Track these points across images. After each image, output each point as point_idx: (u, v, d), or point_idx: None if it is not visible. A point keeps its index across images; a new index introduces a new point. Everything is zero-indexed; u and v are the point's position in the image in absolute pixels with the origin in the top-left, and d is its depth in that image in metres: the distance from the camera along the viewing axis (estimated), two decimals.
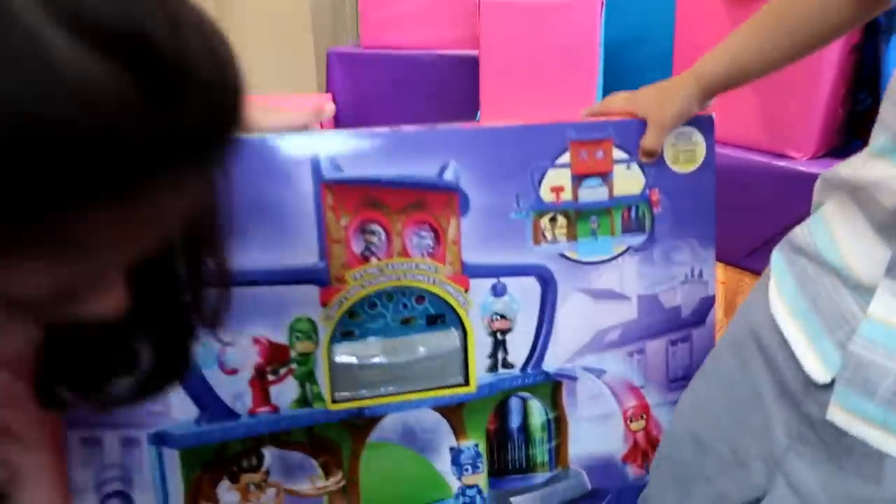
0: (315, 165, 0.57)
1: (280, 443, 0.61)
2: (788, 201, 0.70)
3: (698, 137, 0.65)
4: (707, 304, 0.68)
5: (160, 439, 0.58)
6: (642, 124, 0.63)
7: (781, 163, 1.02)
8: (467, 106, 1.31)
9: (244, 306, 0.57)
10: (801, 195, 0.58)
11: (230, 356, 0.58)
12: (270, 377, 0.60)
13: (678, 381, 0.69)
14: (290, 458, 0.62)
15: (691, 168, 0.65)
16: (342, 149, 0.58)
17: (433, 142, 0.59)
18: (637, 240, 0.65)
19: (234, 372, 0.59)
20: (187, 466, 0.59)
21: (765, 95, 1.01)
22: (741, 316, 0.60)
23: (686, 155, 0.65)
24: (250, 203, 0.56)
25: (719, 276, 1.01)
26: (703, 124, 0.65)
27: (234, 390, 0.59)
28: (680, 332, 0.68)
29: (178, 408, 0.58)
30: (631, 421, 0.68)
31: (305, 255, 0.58)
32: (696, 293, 0.67)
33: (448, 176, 0.60)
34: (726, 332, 0.61)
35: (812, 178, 0.56)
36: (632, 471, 0.69)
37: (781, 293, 0.54)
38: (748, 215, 0.98)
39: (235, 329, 0.58)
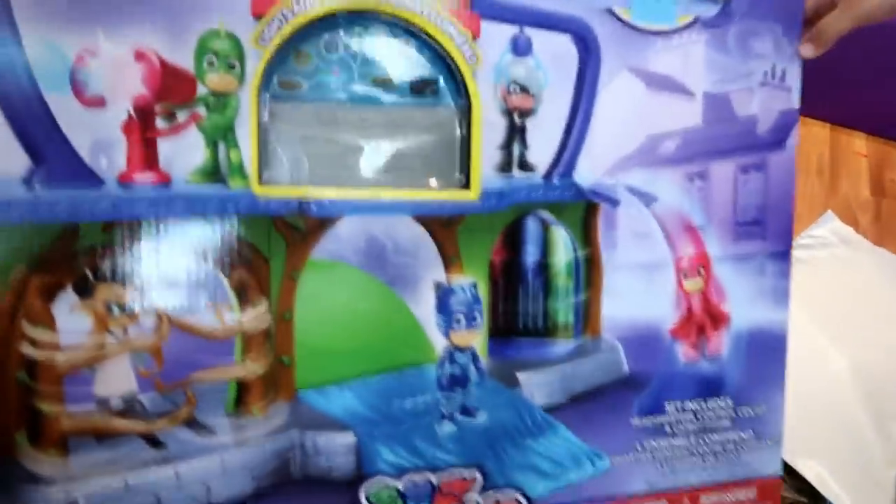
0: None
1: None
2: None
3: None
4: (790, 119, 0.49)
5: None
6: None
7: None
8: None
9: None
10: None
11: (94, 73, 0.35)
12: (161, 124, 0.37)
13: (747, 226, 0.49)
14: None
15: None
16: None
17: None
18: (708, 10, 0.47)
19: (98, 102, 0.35)
20: (4, 259, 0.35)
21: None
22: None
23: None
24: None
25: (860, 148, 0.88)
26: None
27: (97, 135, 0.36)
28: (754, 154, 0.49)
29: None
30: (685, 277, 0.48)
31: None
32: (777, 102, 0.49)
33: None
34: None
35: None
36: (683, 352, 0.49)
37: None
38: None
39: (105, 27, 0.35)
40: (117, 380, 0.37)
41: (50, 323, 0.36)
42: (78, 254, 0.36)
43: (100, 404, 0.37)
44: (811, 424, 0.67)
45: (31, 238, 0.35)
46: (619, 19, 0.45)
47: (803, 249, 0.93)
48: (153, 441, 0.38)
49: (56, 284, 0.36)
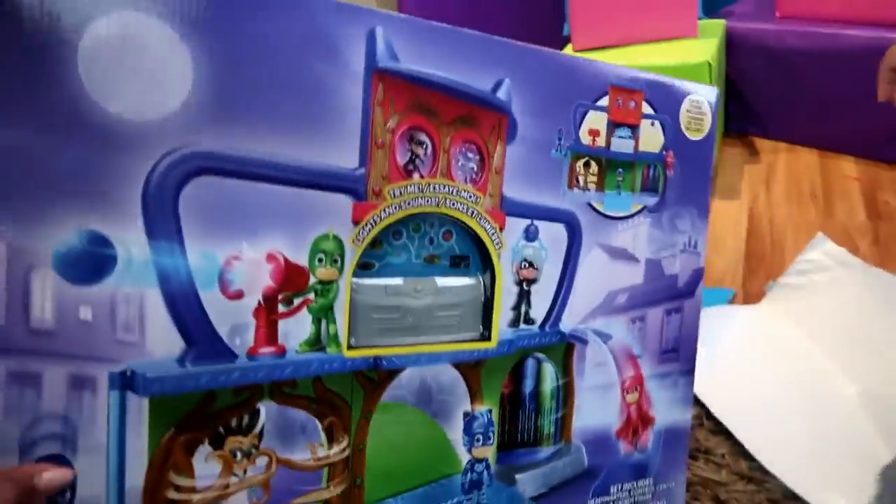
0: (370, 46, 0.47)
1: (282, 396, 0.47)
2: None
3: (707, 108, 0.66)
4: (698, 276, 0.68)
5: (126, 381, 0.42)
6: (667, 84, 0.63)
7: None
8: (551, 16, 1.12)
9: (262, 208, 0.45)
10: None
11: (237, 273, 0.44)
12: (282, 308, 0.46)
13: (668, 352, 0.67)
14: (290, 417, 0.48)
15: (699, 136, 0.66)
16: (401, 34, 0.48)
17: (492, 52, 0.53)
18: (651, 200, 0.64)
19: (238, 295, 0.45)
20: (158, 422, 0.43)
21: None
22: None
23: (696, 123, 0.65)
24: (282, 77, 0.45)
25: (851, 171, 0.90)
26: (710, 96, 0.66)
27: (235, 321, 0.45)
28: (674, 301, 0.67)
29: (156, 339, 0.42)
30: (627, 392, 0.65)
31: (344, 155, 0.47)
32: (691, 264, 0.67)
33: (501, 94, 0.53)
34: None
35: None
36: (623, 447, 0.65)
37: None
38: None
39: (248, 237, 0.44)
40: None
41: (190, 471, 0.44)
42: (214, 414, 0.45)
43: None
44: (827, 456, 0.71)
45: (180, 405, 0.44)
46: (595, 210, 0.60)
47: (801, 275, 0.97)
48: None
49: (196, 440, 0.45)
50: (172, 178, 0.41)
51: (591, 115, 0.59)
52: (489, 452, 0.57)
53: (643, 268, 0.64)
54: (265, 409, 0.47)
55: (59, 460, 0.40)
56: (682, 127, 0.65)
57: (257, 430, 0.47)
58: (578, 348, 0.61)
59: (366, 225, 0.49)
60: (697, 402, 0.89)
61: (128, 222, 0.41)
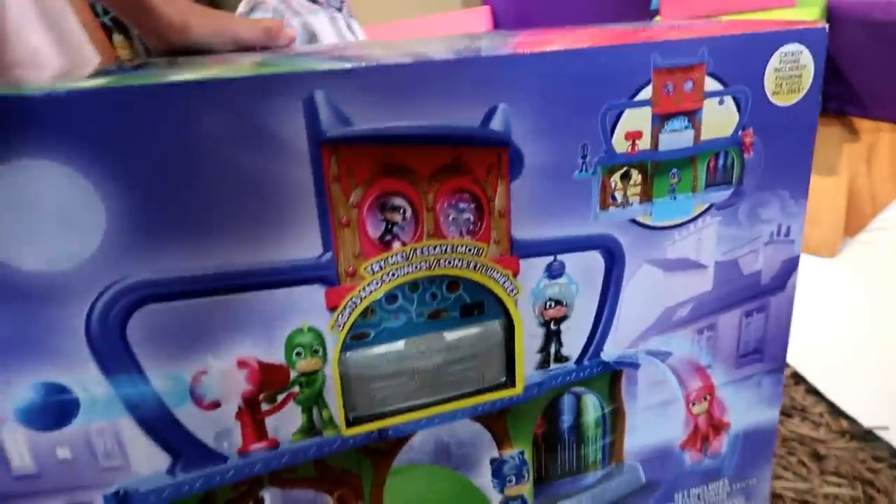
0: (311, 117, 0.39)
1: (283, 482, 0.47)
2: None
3: (807, 58, 0.49)
4: (791, 266, 0.56)
5: (121, 500, 0.43)
6: (746, 39, 0.47)
7: None
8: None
9: (221, 320, 0.41)
10: None
11: (207, 386, 0.42)
12: (265, 406, 0.45)
13: (748, 355, 0.58)
14: (297, 497, 0.48)
15: (794, 99, 0.50)
16: (348, 89, 0.39)
17: (475, 75, 0.42)
18: (722, 195, 0.51)
19: (215, 406, 0.43)
20: None
21: None
22: None
23: (791, 83, 0.50)
24: (212, 180, 0.38)
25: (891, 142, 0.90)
26: (814, 39, 0.49)
27: (218, 427, 0.44)
28: (757, 300, 0.56)
29: (141, 459, 0.42)
30: (693, 404, 0.58)
31: (303, 245, 0.42)
32: (780, 254, 0.55)
33: (496, 125, 0.43)
34: None
35: None
36: (689, 457, 0.59)
37: None
38: None
39: (212, 350, 0.42)
40: None
41: None
42: None
43: None
44: None
45: None
46: (641, 225, 0.50)
47: (875, 232, 0.96)
48: None
49: None
50: (113, 317, 0.39)
51: (629, 113, 0.46)
52: (525, 490, 0.55)
53: (711, 273, 0.53)
54: (269, 495, 0.47)
55: None
56: (769, 92, 0.49)
57: None
58: (628, 373, 0.54)
59: (344, 309, 0.44)
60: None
61: (80, 367, 0.39)
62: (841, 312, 0.95)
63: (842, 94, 1.38)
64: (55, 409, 0.40)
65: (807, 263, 0.87)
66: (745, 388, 0.59)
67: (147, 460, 0.43)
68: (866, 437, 0.81)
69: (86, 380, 0.40)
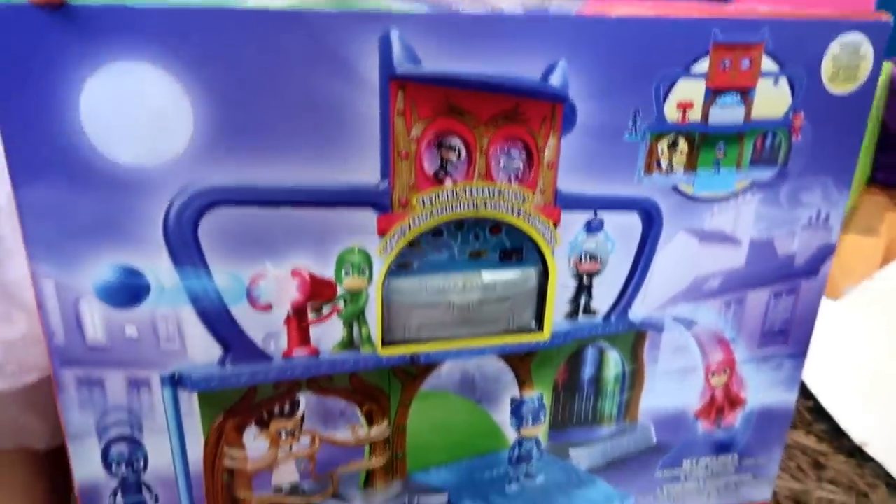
0: (385, 53, 0.42)
1: (319, 388, 0.51)
2: None
3: (867, 48, 0.50)
4: (825, 253, 0.57)
5: (175, 381, 0.48)
6: (808, 23, 0.49)
7: None
8: None
9: (282, 230, 0.45)
10: None
11: (263, 289, 0.47)
12: (311, 316, 0.49)
13: (772, 335, 0.59)
14: (329, 404, 0.52)
15: (850, 88, 0.51)
16: (425, 32, 0.43)
17: (541, 31, 0.44)
18: (765, 174, 0.53)
19: (267, 308, 0.47)
20: (208, 411, 0.50)
21: None
22: None
23: (848, 72, 0.51)
24: (290, 101, 0.42)
25: None
26: (877, 31, 0.50)
27: (267, 329, 0.48)
28: (788, 282, 0.57)
29: (196, 347, 0.47)
30: (713, 375, 0.60)
31: (363, 171, 0.45)
32: (817, 239, 0.56)
33: (555, 80, 0.46)
34: None
35: None
36: (702, 426, 0.62)
37: None
38: None
39: (271, 257, 0.46)
40: (286, 475, 0.53)
41: (241, 446, 0.51)
42: (257, 403, 0.50)
43: (275, 490, 0.54)
44: None
45: (225, 398, 0.50)
46: (683, 194, 0.52)
47: (882, 280, 1.02)
48: None
49: (244, 423, 0.51)
50: (188, 215, 0.43)
51: (682, 83, 0.48)
52: (540, 431, 0.58)
53: (746, 249, 0.55)
54: (304, 398, 0.51)
55: (129, 440, 0.49)
56: (825, 78, 0.51)
57: (299, 415, 0.52)
58: (652, 335, 0.57)
59: (393, 236, 0.47)
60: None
61: (154, 255, 0.44)
62: (852, 344, 1.00)
63: (891, 165, 1.35)
64: (128, 290, 0.44)
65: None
66: (765, 367, 0.60)
67: (201, 349, 0.47)
68: (869, 458, 0.82)
69: (158, 268, 0.44)
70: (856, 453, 0.83)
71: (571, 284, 0.53)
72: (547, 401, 0.57)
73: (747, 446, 0.64)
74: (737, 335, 0.58)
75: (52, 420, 0.46)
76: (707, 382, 0.60)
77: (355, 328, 0.50)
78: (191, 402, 0.49)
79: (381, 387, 0.53)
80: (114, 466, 0.49)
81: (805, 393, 0.91)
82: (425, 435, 0.55)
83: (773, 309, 0.58)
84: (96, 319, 0.45)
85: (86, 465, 0.49)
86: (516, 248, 0.52)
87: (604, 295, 0.54)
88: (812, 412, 0.90)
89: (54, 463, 0.52)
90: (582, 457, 0.60)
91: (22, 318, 0.46)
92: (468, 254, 0.51)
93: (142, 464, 0.50)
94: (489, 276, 0.52)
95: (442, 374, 0.53)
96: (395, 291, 0.50)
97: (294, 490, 0.54)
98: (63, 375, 0.46)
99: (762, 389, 0.61)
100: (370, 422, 0.54)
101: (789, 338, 0.60)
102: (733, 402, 0.61)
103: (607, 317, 0.55)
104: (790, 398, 0.62)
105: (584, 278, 0.53)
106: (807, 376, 0.92)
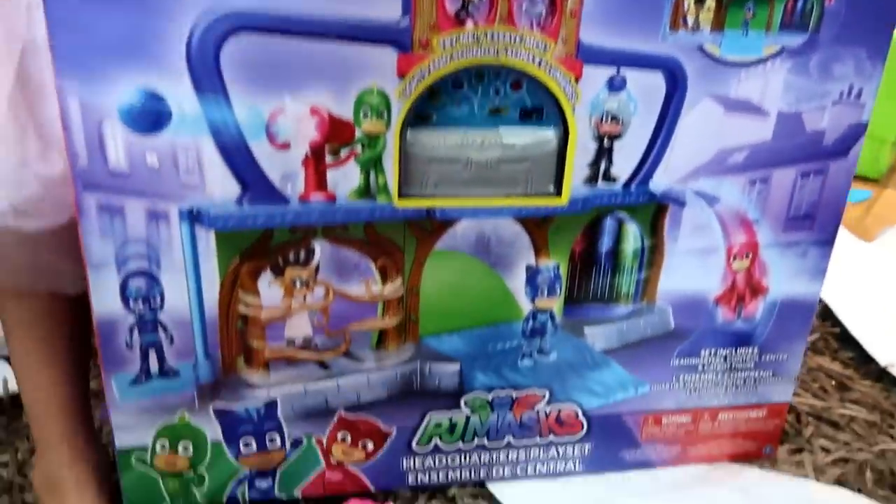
0: None
1: (334, 237, 0.52)
2: None
3: None
4: (856, 132, 0.55)
5: (193, 217, 0.49)
6: None
7: None
8: None
9: (302, 63, 0.46)
10: None
11: (282, 126, 0.47)
12: (329, 159, 0.49)
13: (798, 219, 0.58)
14: (344, 255, 0.53)
15: None
16: None
17: None
18: (795, 40, 0.51)
19: (285, 146, 0.48)
20: (224, 251, 0.50)
21: None
22: None
23: None
24: None
25: None
26: None
27: (285, 169, 0.49)
28: (816, 162, 0.56)
29: (215, 182, 0.48)
30: (734, 259, 0.59)
31: (385, 6, 0.45)
32: (848, 117, 0.55)
33: None
34: None
35: None
36: (722, 314, 0.61)
37: None
38: None
39: (290, 91, 0.46)
40: (299, 327, 0.54)
41: (256, 292, 0.52)
42: (272, 248, 0.51)
43: (288, 342, 0.54)
44: None
45: (242, 239, 0.50)
46: (709, 55, 0.51)
47: None
48: (323, 365, 0.56)
49: (259, 268, 0.52)
50: (211, 37, 0.44)
51: None
52: (555, 304, 0.58)
53: (773, 122, 0.54)
54: (319, 247, 0.52)
55: (147, 275, 0.50)
56: None
57: (314, 264, 0.52)
58: (673, 210, 0.56)
59: (412, 78, 0.47)
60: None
61: (177, 80, 0.44)
62: (881, 278, 0.98)
63: None
64: (151, 115, 0.45)
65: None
66: (789, 254, 0.59)
67: (220, 185, 0.48)
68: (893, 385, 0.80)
69: (180, 93, 0.45)
70: (882, 377, 0.81)
71: (592, 147, 0.52)
72: (563, 271, 0.57)
73: (768, 339, 0.62)
74: (761, 216, 0.57)
75: (82, 264, 0.48)
76: (728, 266, 0.59)
77: (372, 175, 0.50)
78: (208, 241, 0.50)
79: (396, 241, 0.53)
80: (131, 302, 0.50)
81: (831, 319, 0.89)
82: (439, 298, 0.55)
83: (800, 190, 0.57)
84: (119, 143, 0.46)
85: (105, 297, 0.50)
86: (537, 107, 0.51)
87: (624, 161, 0.53)
88: (838, 339, 0.88)
89: (80, 314, 0.54)
90: (597, 336, 0.60)
91: (57, 158, 0.47)
92: (488, 110, 0.51)
93: (158, 301, 0.51)
94: (508, 134, 0.51)
95: (457, 233, 0.53)
96: (413, 143, 0.50)
97: (307, 344, 0.55)
98: (85, 200, 0.47)
99: (785, 278, 0.60)
100: (384, 278, 0.54)
101: (815, 223, 0.58)
102: (755, 289, 0.60)
103: (627, 185, 0.54)
104: (814, 290, 0.61)
105: (605, 140, 0.52)
106: (833, 303, 0.90)
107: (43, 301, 0.55)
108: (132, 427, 0.55)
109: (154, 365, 0.53)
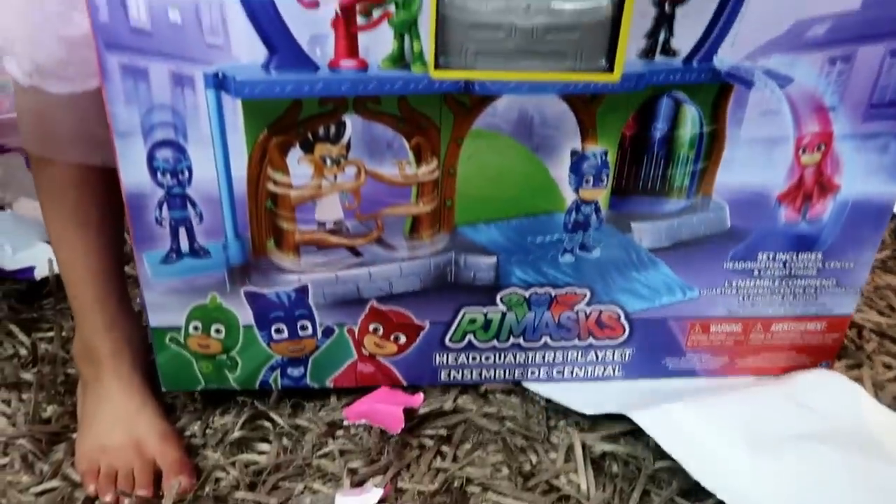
0: None
1: (366, 111, 0.49)
2: None
3: None
4: None
5: (219, 82, 0.46)
6: None
7: None
8: None
9: None
10: None
11: None
12: (360, 20, 0.45)
13: (881, 107, 0.52)
14: (376, 132, 0.49)
15: None
16: None
17: None
18: None
19: (313, 5, 0.44)
20: (252, 122, 0.48)
21: None
22: None
23: None
24: None
25: None
26: None
27: (313, 31, 0.45)
28: None
29: (241, 44, 0.45)
30: (804, 151, 0.53)
31: None
32: None
33: None
34: None
35: None
36: (785, 214, 0.56)
37: None
38: None
39: None
40: (330, 210, 0.52)
41: (285, 169, 0.50)
42: (301, 121, 0.48)
43: (319, 225, 0.52)
44: None
45: (270, 109, 0.48)
46: None
47: None
48: (354, 252, 0.54)
49: (288, 142, 0.49)
50: None
51: None
52: (601, 195, 0.54)
53: None
54: (350, 121, 0.49)
55: (174, 146, 0.48)
56: None
57: (344, 141, 0.49)
58: (738, 91, 0.50)
59: None
60: None
61: None
62: None
63: None
64: None
65: None
66: (868, 147, 0.53)
67: (246, 48, 0.45)
68: None
69: None
70: None
71: (651, 13, 0.47)
72: (611, 159, 0.52)
73: (835, 245, 0.57)
74: (839, 102, 0.51)
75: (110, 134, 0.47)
76: (796, 159, 0.53)
77: (406, 41, 0.46)
78: (235, 111, 0.47)
79: (432, 117, 0.49)
80: (159, 174, 0.49)
81: None
82: (476, 183, 0.52)
83: (888, 72, 0.50)
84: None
85: (133, 169, 0.48)
86: None
87: (687, 31, 0.48)
88: None
89: (115, 187, 0.53)
90: (645, 233, 0.56)
91: (79, 18, 0.45)
92: None
93: (186, 175, 0.49)
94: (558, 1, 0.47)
95: (498, 110, 0.49)
96: (451, 5, 0.46)
97: (338, 228, 0.53)
98: (108, 61, 0.44)
99: (861, 175, 0.54)
100: (419, 159, 0.51)
101: None
102: (825, 187, 0.55)
103: (688, 60, 0.49)
104: (892, 190, 0.55)
105: (667, 6, 0.47)
106: None
107: (76, 169, 0.54)
108: (165, 307, 0.55)
109: (185, 243, 0.52)
